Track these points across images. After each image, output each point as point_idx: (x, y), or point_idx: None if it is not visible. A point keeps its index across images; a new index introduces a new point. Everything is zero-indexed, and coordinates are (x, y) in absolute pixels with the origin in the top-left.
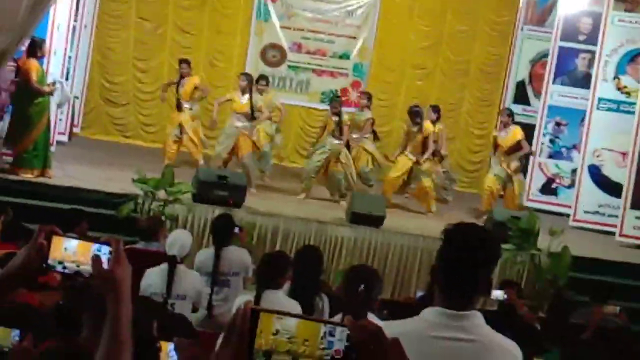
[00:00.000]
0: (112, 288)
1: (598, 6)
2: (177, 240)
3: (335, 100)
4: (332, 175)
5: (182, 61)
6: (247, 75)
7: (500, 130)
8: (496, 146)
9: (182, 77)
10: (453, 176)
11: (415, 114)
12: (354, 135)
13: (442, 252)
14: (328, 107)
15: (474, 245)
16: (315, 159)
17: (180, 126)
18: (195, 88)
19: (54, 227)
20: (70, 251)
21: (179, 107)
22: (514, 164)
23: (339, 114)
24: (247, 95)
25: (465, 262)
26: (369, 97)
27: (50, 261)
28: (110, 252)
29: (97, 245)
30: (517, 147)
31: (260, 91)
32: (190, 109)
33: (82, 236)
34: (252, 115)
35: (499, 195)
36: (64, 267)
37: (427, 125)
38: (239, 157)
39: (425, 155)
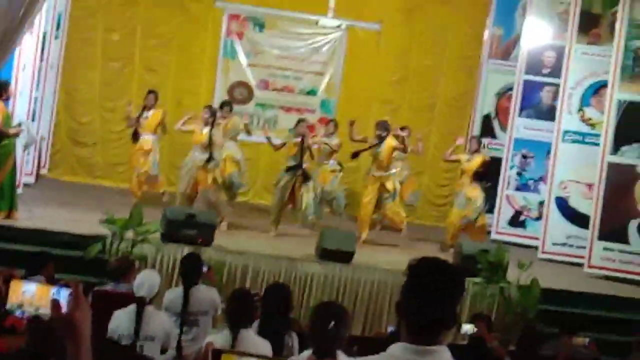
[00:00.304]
0: (71, 331)
1: (561, 40)
2: (145, 281)
3: (300, 123)
4: (299, 199)
5: (151, 92)
6: (211, 109)
7: (468, 157)
8: (462, 173)
9: (146, 107)
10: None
11: (379, 127)
12: (327, 164)
13: (406, 287)
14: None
15: (437, 279)
16: (279, 186)
17: (141, 151)
18: (159, 123)
19: (12, 271)
20: (30, 295)
21: (136, 138)
22: (477, 191)
23: (303, 137)
24: (208, 127)
25: (429, 297)
26: (336, 124)
27: (8, 305)
28: (70, 295)
29: (56, 289)
30: (482, 172)
31: (223, 117)
32: (150, 140)
33: (49, 279)
34: (209, 147)
35: (462, 228)
36: (23, 311)
37: (389, 140)
38: (199, 192)
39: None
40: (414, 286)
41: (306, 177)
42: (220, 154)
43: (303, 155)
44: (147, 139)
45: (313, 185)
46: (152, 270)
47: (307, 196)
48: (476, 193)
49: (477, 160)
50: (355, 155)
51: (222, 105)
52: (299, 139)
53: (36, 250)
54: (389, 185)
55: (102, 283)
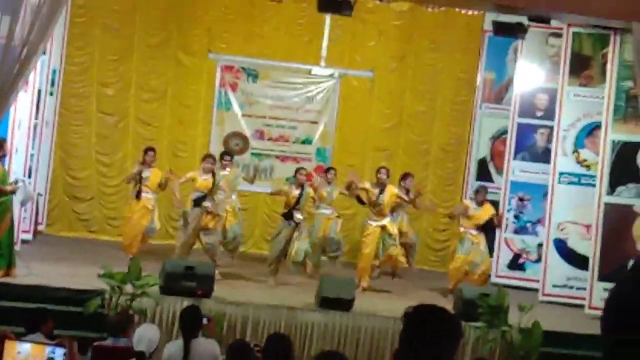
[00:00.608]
0: None
1: (553, 82)
2: (145, 336)
3: (299, 172)
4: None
5: (149, 149)
6: (213, 158)
7: (475, 207)
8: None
9: (145, 164)
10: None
11: (381, 173)
12: (326, 211)
13: (403, 335)
14: (291, 182)
15: (434, 327)
16: (280, 237)
17: (144, 210)
18: (160, 181)
19: (6, 332)
20: (24, 355)
21: (139, 196)
22: (482, 239)
23: (302, 187)
24: (210, 174)
25: (426, 344)
26: (335, 172)
27: None
28: (65, 354)
29: (51, 348)
30: (489, 223)
31: (224, 166)
32: (152, 199)
33: (48, 335)
34: (212, 191)
35: (466, 273)
36: None
37: (391, 187)
38: (200, 237)
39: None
40: (410, 334)
41: (290, 217)
42: (222, 202)
43: (300, 204)
44: (149, 197)
45: (310, 233)
46: (151, 324)
47: (298, 243)
48: (481, 239)
49: (485, 212)
50: (359, 201)
51: (223, 154)
52: (299, 189)
53: (35, 307)
54: (391, 229)
55: (102, 338)
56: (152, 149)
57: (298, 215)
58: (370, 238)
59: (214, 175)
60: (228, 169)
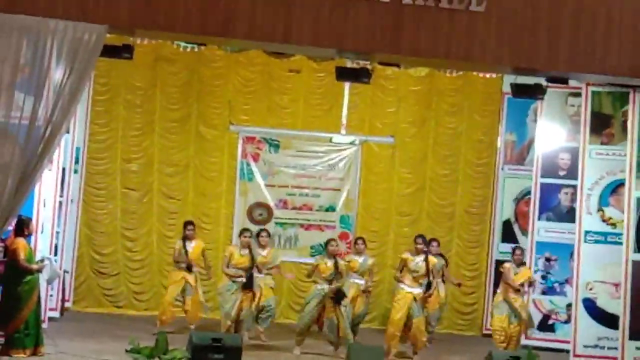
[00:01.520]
0: None
1: (574, 142)
2: None
3: (330, 244)
4: (330, 321)
5: (189, 223)
6: (250, 231)
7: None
8: (498, 281)
9: (187, 238)
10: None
11: (422, 241)
12: (360, 282)
13: None
14: (323, 252)
15: None
16: (310, 307)
17: (187, 286)
18: (203, 253)
19: None
20: None
21: (190, 269)
22: (521, 301)
23: (335, 258)
24: (247, 250)
25: None
26: (364, 242)
27: None
28: None
29: None
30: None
31: (262, 245)
32: (195, 272)
33: None
34: (251, 269)
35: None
36: None
37: (431, 257)
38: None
39: (431, 290)
40: None
41: (340, 298)
42: (259, 279)
43: (336, 275)
44: (193, 272)
45: (346, 306)
46: None
47: (343, 321)
48: (522, 303)
49: (524, 275)
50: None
51: (260, 232)
52: (332, 261)
53: None
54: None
55: None
56: (192, 222)
57: (327, 287)
58: (401, 303)
59: (250, 250)
60: (267, 249)
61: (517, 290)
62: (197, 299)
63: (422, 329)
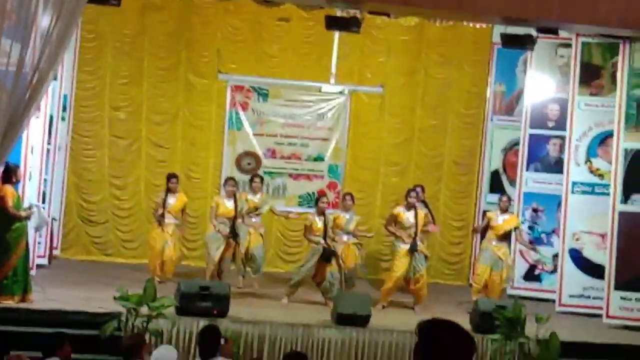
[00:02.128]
0: None
1: (563, 93)
2: (162, 358)
3: (321, 200)
4: (328, 275)
5: (172, 176)
6: (234, 181)
7: (497, 214)
8: (486, 228)
9: (170, 191)
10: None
11: (415, 195)
12: (344, 238)
13: (417, 349)
14: (313, 209)
15: (447, 340)
16: (309, 264)
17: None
18: (183, 208)
19: (23, 357)
20: None
21: (161, 222)
22: (504, 249)
23: (324, 215)
24: (232, 200)
25: (440, 358)
26: (352, 197)
27: None
28: None
29: None
30: (509, 234)
31: (254, 191)
32: (172, 224)
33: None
34: (236, 217)
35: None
36: None
37: (420, 211)
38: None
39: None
40: (424, 348)
41: (329, 257)
42: (246, 226)
43: (327, 233)
44: (170, 223)
45: (338, 263)
46: (167, 346)
47: (332, 274)
48: (505, 251)
49: (510, 222)
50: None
51: (253, 177)
52: (322, 218)
53: (51, 332)
54: (423, 251)
55: None
56: (175, 176)
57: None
58: (403, 261)
59: (235, 199)
60: (259, 194)
61: (500, 239)
62: (173, 252)
63: (424, 284)
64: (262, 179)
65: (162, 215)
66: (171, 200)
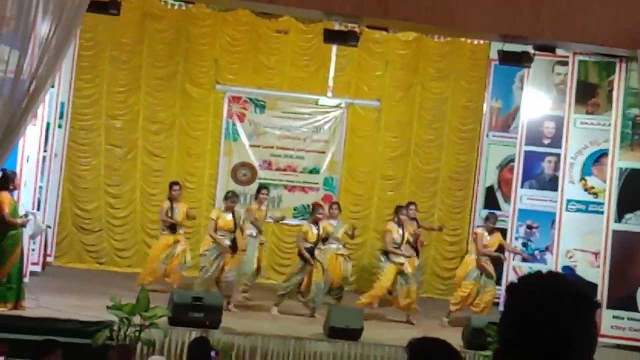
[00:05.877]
0: None
1: (560, 110)
2: None
3: (319, 211)
4: (313, 287)
5: (175, 183)
6: (236, 195)
7: (486, 235)
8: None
9: (174, 199)
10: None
11: (405, 213)
12: (333, 246)
13: None
14: (307, 219)
15: (436, 359)
16: (299, 275)
17: (174, 248)
18: (187, 213)
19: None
20: None
21: (174, 229)
22: (491, 267)
23: (319, 225)
24: (230, 214)
25: None
26: (339, 206)
27: None
28: None
29: None
30: (498, 251)
31: (261, 202)
32: (182, 233)
33: None
34: (235, 232)
35: (472, 300)
36: None
37: (410, 225)
38: (222, 274)
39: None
40: None
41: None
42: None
43: (317, 242)
44: (180, 232)
45: (323, 272)
46: (159, 356)
47: (317, 285)
48: (492, 269)
49: (495, 241)
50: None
51: (260, 188)
52: (317, 227)
53: (43, 339)
54: (409, 268)
55: None
56: (177, 183)
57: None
58: (389, 275)
59: (234, 213)
60: (264, 205)
61: (487, 256)
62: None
63: (412, 297)
64: (268, 191)
65: (172, 225)
66: (176, 209)
